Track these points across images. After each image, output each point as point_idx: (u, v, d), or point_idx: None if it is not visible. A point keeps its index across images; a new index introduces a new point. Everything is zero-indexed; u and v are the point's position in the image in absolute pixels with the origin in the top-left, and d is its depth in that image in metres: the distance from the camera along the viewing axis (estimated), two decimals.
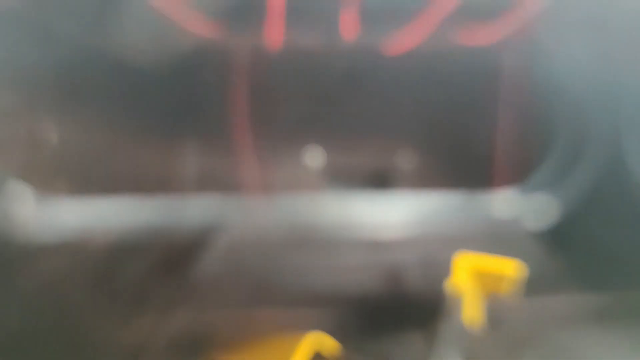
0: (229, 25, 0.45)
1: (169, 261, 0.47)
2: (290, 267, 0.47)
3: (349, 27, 0.46)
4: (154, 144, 0.47)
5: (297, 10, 0.45)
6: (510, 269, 0.38)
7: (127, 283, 0.46)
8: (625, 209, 0.45)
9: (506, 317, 0.39)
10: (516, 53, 0.47)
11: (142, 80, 0.45)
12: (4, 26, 0.41)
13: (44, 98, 0.44)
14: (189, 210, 0.48)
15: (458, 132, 0.50)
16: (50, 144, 0.45)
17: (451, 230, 0.49)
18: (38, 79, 0.42)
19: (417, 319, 0.42)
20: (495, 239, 0.48)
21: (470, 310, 0.38)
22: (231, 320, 0.45)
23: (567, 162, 0.48)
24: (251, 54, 0.46)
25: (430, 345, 0.39)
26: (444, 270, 0.41)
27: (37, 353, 0.41)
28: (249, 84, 0.47)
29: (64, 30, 0.42)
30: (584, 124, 0.47)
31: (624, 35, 0.44)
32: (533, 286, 0.39)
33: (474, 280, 0.38)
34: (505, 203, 0.50)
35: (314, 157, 0.50)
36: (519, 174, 0.50)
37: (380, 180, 0.50)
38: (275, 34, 0.45)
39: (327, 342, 0.38)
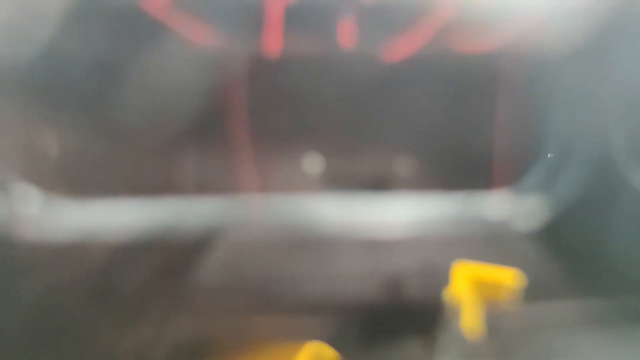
0: (228, 33, 0.45)
1: (168, 267, 0.47)
2: (290, 274, 0.47)
3: (346, 35, 0.46)
4: (154, 149, 0.47)
5: (295, 19, 0.45)
6: (508, 278, 0.38)
7: (126, 290, 0.46)
8: (616, 210, 0.45)
9: (504, 325, 0.39)
10: (512, 60, 0.47)
11: (142, 87, 0.45)
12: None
13: (43, 106, 0.43)
14: (189, 215, 0.48)
15: (454, 137, 0.50)
16: (51, 150, 0.45)
17: (448, 232, 0.49)
18: (37, 88, 0.42)
19: (416, 326, 0.42)
20: (489, 240, 0.49)
21: (469, 319, 0.38)
22: (230, 328, 0.45)
23: (559, 164, 0.48)
24: (250, 61, 0.46)
25: (429, 353, 0.39)
26: (443, 276, 0.41)
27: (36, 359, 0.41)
28: (248, 91, 0.47)
29: (63, 41, 0.42)
30: (574, 126, 0.47)
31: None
32: (529, 289, 0.40)
33: (473, 289, 0.38)
34: (499, 205, 0.50)
35: (313, 163, 0.50)
36: (512, 176, 0.50)
37: (378, 185, 0.51)
38: (274, 42, 0.45)
39: (326, 352, 0.38)
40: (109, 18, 0.42)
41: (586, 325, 0.41)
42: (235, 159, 0.48)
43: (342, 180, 0.51)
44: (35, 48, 0.41)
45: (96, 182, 0.47)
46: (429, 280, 0.45)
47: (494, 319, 0.39)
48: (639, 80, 0.45)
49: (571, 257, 0.47)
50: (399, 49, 0.46)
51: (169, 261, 0.47)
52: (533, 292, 0.40)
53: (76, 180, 0.47)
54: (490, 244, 0.48)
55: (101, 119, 0.46)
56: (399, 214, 0.50)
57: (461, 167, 0.51)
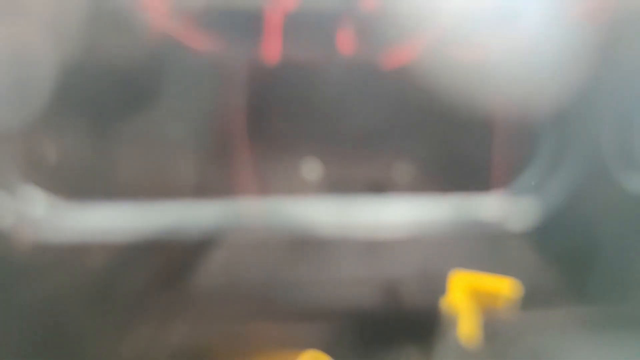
0: (227, 40, 0.45)
1: (165, 272, 0.47)
2: (287, 279, 0.47)
3: (345, 41, 0.46)
4: (153, 153, 0.48)
5: (294, 25, 0.45)
6: (505, 287, 0.39)
7: (124, 294, 0.46)
8: (608, 212, 0.46)
9: (501, 333, 0.39)
10: (508, 65, 0.47)
11: (141, 92, 0.45)
12: None
13: (44, 111, 0.44)
14: (187, 219, 0.48)
15: (450, 142, 0.51)
16: (54, 155, 0.45)
17: (445, 235, 0.49)
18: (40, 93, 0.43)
19: (413, 334, 0.42)
20: (483, 241, 0.49)
21: (466, 327, 0.38)
22: (228, 334, 0.45)
23: (551, 167, 0.49)
24: (249, 67, 0.46)
25: None
26: (440, 281, 0.41)
27: None
28: (247, 96, 0.47)
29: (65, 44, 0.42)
30: (567, 129, 0.48)
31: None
32: (525, 292, 0.40)
33: (470, 298, 0.39)
34: (493, 207, 0.50)
35: (311, 168, 0.50)
36: (505, 178, 0.51)
37: (376, 189, 0.51)
38: (273, 48, 0.45)
39: None
40: (111, 26, 0.42)
41: (582, 331, 0.41)
42: (234, 164, 0.48)
43: (340, 185, 0.51)
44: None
45: (95, 186, 0.47)
46: (426, 286, 0.45)
47: (491, 327, 0.39)
48: (629, 84, 0.45)
49: (564, 260, 0.47)
50: (397, 55, 0.47)
51: (167, 265, 0.47)
52: (529, 296, 0.40)
53: (76, 183, 0.47)
54: (485, 245, 0.49)
55: (101, 124, 0.46)
56: (397, 218, 0.50)
57: (457, 170, 0.51)
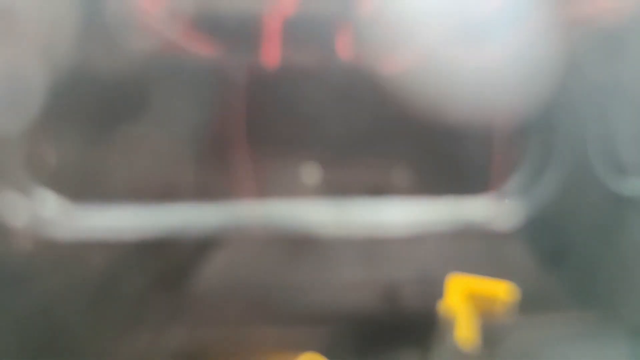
0: (226, 44, 0.45)
1: (166, 275, 0.48)
2: (286, 282, 0.48)
3: (344, 46, 0.46)
4: (154, 156, 0.48)
5: (293, 29, 0.45)
6: (502, 291, 0.39)
7: (124, 296, 0.46)
8: (593, 214, 0.47)
9: (499, 336, 0.40)
10: (504, 70, 0.47)
11: (141, 97, 0.46)
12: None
13: (45, 116, 0.44)
14: (187, 222, 0.48)
15: (447, 145, 0.51)
16: (48, 158, 0.45)
17: (441, 237, 0.49)
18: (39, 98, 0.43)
19: (411, 337, 0.42)
20: (475, 241, 0.49)
21: (464, 331, 0.38)
22: (227, 337, 0.45)
23: (539, 169, 0.49)
24: (248, 71, 0.47)
25: None
26: (438, 284, 0.41)
27: None
28: (246, 101, 0.48)
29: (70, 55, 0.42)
30: (554, 133, 0.48)
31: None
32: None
33: (467, 302, 0.39)
34: (484, 208, 0.51)
35: (310, 171, 0.50)
36: (496, 180, 0.51)
37: (373, 192, 0.51)
38: (272, 53, 0.46)
39: None
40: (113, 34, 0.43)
41: (576, 334, 0.42)
42: (234, 167, 0.49)
43: (339, 188, 0.51)
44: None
45: (96, 189, 0.48)
46: (424, 288, 0.45)
47: (489, 330, 0.39)
48: (612, 85, 0.45)
49: (552, 261, 0.48)
50: (396, 60, 0.47)
51: (167, 268, 0.48)
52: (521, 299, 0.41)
53: (80, 185, 0.47)
54: (475, 247, 0.49)
55: (103, 130, 0.46)
56: (394, 220, 0.50)
57: (454, 173, 0.51)
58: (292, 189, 0.50)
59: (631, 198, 0.45)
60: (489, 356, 0.39)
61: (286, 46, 0.46)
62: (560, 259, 0.47)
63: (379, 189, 0.51)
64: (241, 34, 0.45)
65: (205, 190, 0.49)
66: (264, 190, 0.50)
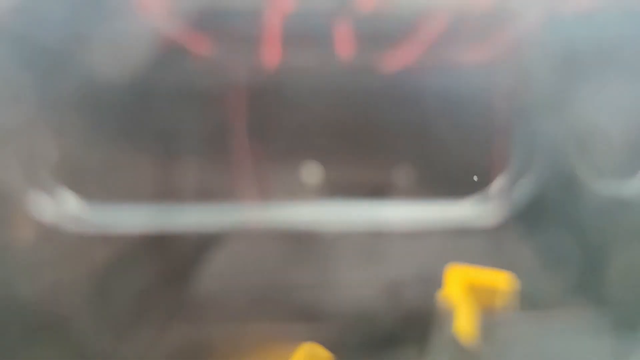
0: (227, 44, 0.46)
1: (167, 273, 0.48)
2: (288, 281, 0.48)
3: (344, 46, 0.47)
4: (156, 157, 0.49)
5: (294, 30, 0.46)
6: (502, 281, 0.38)
7: (126, 294, 0.46)
8: (575, 212, 0.48)
9: (499, 329, 0.39)
10: (502, 71, 0.48)
11: (142, 97, 0.47)
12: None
13: (46, 117, 0.45)
14: (187, 221, 0.48)
15: (444, 146, 0.51)
16: (52, 157, 0.46)
17: (437, 236, 0.50)
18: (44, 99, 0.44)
19: (411, 331, 0.42)
20: (466, 239, 0.49)
21: (463, 323, 0.38)
22: (229, 335, 0.45)
23: (523, 171, 0.49)
24: (249, 72, 0.47)
25: (424, 358, 0.39)
26: (437, 280, 0.41)
27: None
28: (247, 101, 0.48)
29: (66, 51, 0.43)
30: (537, 136, 0.49)
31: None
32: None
33: (467, 293, 0.38)
34: (471, 209, 0.51)
35: (311, 172, 0.50)
36: (483, 182, 0.51)
37: (375, 193, 0.51)
38: (272, 52, 0.46)
39: (320, 353, 0.39)
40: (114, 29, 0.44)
41: (582, 331, 0.41)
42: (235, 167, 0.49)
43: (340, 188, 0.51)
44: None
45: (93, 189, 0.48)
46: (424, 285, 0.45)
47: (489, 323, 0.39)
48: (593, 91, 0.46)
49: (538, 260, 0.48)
50: (396, 59, 0.47)
51: (168, 267, 0.48)
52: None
53: (80, 186, 0.48)
54: (461, 245, 0.49)
55: (103, 128, 0.47)
56: (394, 221, 0.50)
57: (451, 175, 0.52)
58: (292, 189, 0.51)
59: (612, 198, 0.47)
60: (488, 349, 0.38)
61: (287, 45, 0.46)
62: (546, 257, 0.47)
63: (379, 189, 0.51)
64: (241, 32, 0.46)
65: (208, 190, 0.50)
66: (265, 189, 0.50)
